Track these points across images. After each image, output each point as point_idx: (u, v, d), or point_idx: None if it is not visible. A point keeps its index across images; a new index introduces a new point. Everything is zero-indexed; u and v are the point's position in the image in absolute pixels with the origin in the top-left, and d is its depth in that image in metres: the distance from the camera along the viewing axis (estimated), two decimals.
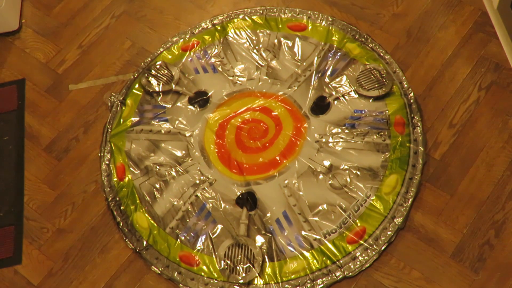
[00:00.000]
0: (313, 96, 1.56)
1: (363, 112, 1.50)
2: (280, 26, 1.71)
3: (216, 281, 1.32)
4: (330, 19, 1.69)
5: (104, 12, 1.88)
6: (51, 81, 1.76)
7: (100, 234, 1.47)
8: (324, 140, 1.47)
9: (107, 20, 1.86)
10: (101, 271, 1.41)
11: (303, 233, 1.34)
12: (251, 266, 1.31)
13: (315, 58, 1.62)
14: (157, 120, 1.59)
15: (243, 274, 1.30)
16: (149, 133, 1.57)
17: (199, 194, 1.45)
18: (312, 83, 1.58)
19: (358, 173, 1.40)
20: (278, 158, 1.48)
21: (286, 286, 1.30)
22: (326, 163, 1.44)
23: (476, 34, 1.62)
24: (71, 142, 1.63)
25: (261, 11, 1.76)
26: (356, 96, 1.53)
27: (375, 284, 1.30)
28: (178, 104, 1.61)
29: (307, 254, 1.32)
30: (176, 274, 1.35)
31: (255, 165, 1.48)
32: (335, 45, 1.64)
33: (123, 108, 1.64)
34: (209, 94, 1.62)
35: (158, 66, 1.67)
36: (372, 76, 1.54)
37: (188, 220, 1.41)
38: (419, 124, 1.47)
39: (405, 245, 1.33)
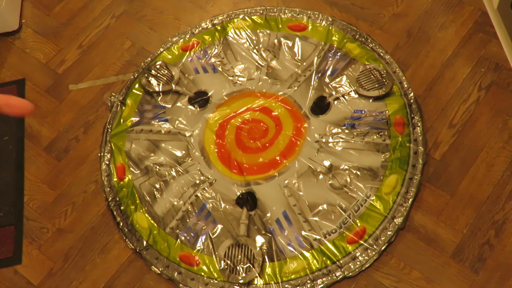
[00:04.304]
0: (313, 96, 1.56)
1: (363, 112, 1.50)
2: (280, 26, 1.71)
3: (216, 281, 1.32)
4: (330, 19, 1.69)
5: (104, 12, 1.88)
6: (51, 81, 1.76)
7: (100, 234, 1.47)
8: (324, 140, 1.47)
9: (107, 20, 1.86)
10: (101, 271, 1.41)
11: (303, 233, 1.34)
12: (251, 266, 1.31)
13: (315, 58, 1.62)
14: (157, 120, 1.59)
15: (243, 274, 1.30)
16: (149, 133, 1.57)
17: (199, 194, 1.45)
18: (312, 83, 1.58)
19: (358, 173, 1.40)
20: (278, 158, 1.48)
21: (286, 286, 1.30)
22: (326, 163, 1.44)
23: (476, 34, 1.62)
24: (71, 142, 1.63)
25: (261, 11, 1.76)
26: (356, 96, 1.53)
27: (375, 284, 1.30)
28: (178, 104, 1.61)
29: (307, 254, 1.32)
30: (176, 274, 1.35)
31: (255, 165, 1.48)
32: (335, 45, 1.64)
33: (123, 108, 1.64)
34: (209, 94, 1.62)
35: (158, 66, 1.67)
36: (372, 76, 1.54)
37: (188, 220, 1.41)
38: (419, 124, 1.47)
39: (405, 245, 1.33)
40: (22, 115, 0.60)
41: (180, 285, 1.34)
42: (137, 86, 1.67)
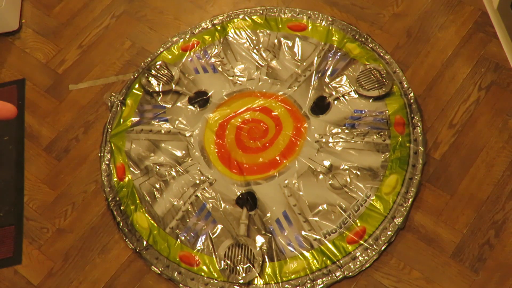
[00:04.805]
0: (313, 96, 1.56)
1: (363, 112, 1.50)
2: (280, 26, 1.71)
3: (216, 281, 1.32)
4: (330, 19, 1.69)
5: (104, 12, 1.88)
6: (51, 81, 1.76)
7: (100, 234, 1.47)
8: (324, 140, 1.47)
9: (107, 20, 1.86)
10: (101, 271, 1.41)
11: (303, 233, 1.34)
12: (251, 266, 1.31)
13: (315, 58, 1.62)
14: (157, 120, 1.59)
15: (243, 274, 1.30)
16: (149, 133, 1.57)
17: (199, 194, 1.45)
18: (312, 83, 1.58)
19: (358, 173, 1.40)
20: (278, 158, 1.48)
21: (286, 286, 1.30)
22: (326, 163, 1.44)
23: (476, 34, 1.62)
24: (71, 142, 1.63)
25: (261, 11, 1.76)
26: (356, 96, 1.53)
27: (375, 284, 1.30)
28: (178, 104, 1.61)
29: (307, 254, 1.32)
30: (176, 274, 1.35)
31: (255, 165, 1.48)
32: (335, 45, 1.64)
33: (123, 108, 1.64)
34: (209, 94, 1.62)
35: (158, 66, 1.67)
36: (372, 76, 1.54)
37: (188, 220, 1.41)
38: (419, 124, 1.47)
39: (405, 245, 1.33)
40: (5, 119, 0.60)
41: (180, 285, 1.34)
42: (137, 86, 1.67)
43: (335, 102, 1.54)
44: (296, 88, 1.58)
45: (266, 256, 1.33)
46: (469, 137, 1.46)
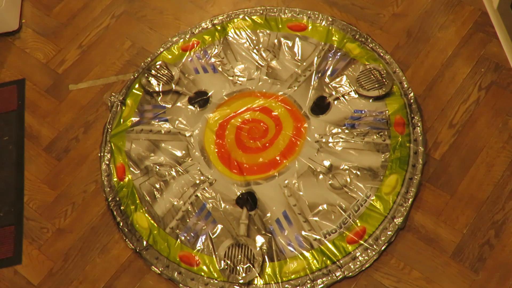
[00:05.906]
0: (313, 96, 1.56)
1: (363, 112, 1.50)
2: (280, 26, 1.71)
3: (216, 281, 1.32)
4: (330, 19, 1.69)
5: (104, 12, 1.88)
6: (51, 81, 1.76)
7: (100, 234, 1.47)
8: (324, 140, 1.47)
9: (107, 20, 1.86)
10: (101, 271, 1.41)
11: (303, 233, 1.34)
12: (251, 266, 1.31)
13: (315, 58, 1.62)
14: (157, 120, 1.59)
15: (243, 274, 1.30)
16: (149, 133, 1.57)
17: (199, 194, 1.45)
18: (312, 83, 1.58)
19: (358, 173, 1.40)
20: (278, 158, 1.48)
21: (286, 286, 1.30)
22: (326, 163, 1.44)
23: (476, 34, 1.62)
24: (71, 142, 1.63)
25: (261, 11, 1.76)
26: (356, 96, 1.53)
27: (375, 284, 1.30)
28: (178, 104, 1.61)
29: (307, 254, 1.32)
30: (176, 274, 1.35)
31: (255, 165, 1.48)
32: (335, 45, 1.64)
33: (123, 108, 1.64)
34: (209, 94, 1.62)
35: (158, 66, 1.67)
36: (372, 76, 1.54)
37: (188, 220, 1.41)
38: (419, 124, 1.47)
39: (405, 245, 1.33)
40: None
41: (180, 285, 1.34)
42: (137, 86, 1.67)
43: (335, 102, 1.54)
44: (296, 88, 1.58)
45: (266, 256, 1.33)
46: (469, 137, 1.46)
